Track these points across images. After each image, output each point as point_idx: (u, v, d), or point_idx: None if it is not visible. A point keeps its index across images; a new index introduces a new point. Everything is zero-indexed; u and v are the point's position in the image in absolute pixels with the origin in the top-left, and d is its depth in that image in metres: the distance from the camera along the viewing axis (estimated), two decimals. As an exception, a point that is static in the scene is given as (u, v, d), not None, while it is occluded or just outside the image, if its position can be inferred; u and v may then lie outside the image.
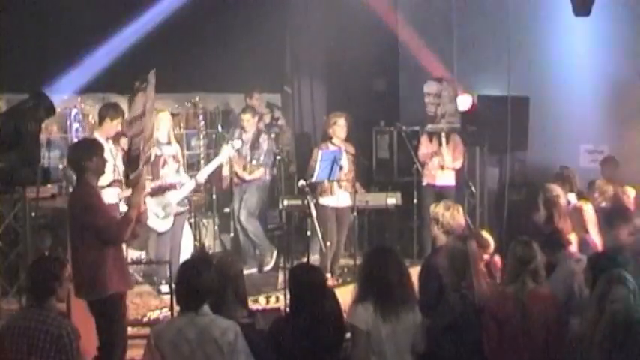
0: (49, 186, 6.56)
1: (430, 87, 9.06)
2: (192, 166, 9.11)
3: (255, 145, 8.63)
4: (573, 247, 5.77)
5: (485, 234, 5.86)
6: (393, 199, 9.06)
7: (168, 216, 7.82)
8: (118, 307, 5.16)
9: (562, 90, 9.45)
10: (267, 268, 8.79)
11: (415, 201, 8.91)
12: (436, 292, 4.99)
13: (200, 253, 5.42)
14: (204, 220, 9.01)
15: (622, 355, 3.89)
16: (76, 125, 8.70)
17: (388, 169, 9.85)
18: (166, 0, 8.89)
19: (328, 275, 7.85)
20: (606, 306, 4.03)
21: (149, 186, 7.50)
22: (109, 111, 7.11)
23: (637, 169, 8.86)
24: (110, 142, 7.08)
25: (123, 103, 7.94)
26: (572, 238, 5.96)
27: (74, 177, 5.35)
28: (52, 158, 8.45)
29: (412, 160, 8.95)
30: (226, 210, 9.26)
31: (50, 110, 6.53)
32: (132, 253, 8.10)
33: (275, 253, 8.74)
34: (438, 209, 5.56)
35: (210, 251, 8.80)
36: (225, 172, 8.85)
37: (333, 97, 10.51)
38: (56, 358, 4.15)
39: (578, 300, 4.95)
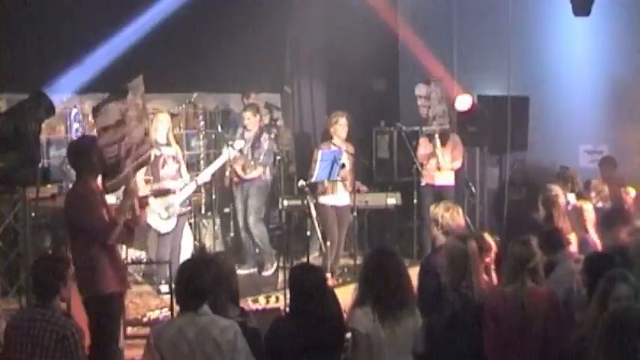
0: (49, 186, 6.55)
1: (420, 90, 9.06)
2: (192, 166, 9.10)
3: (256, 144, 8.63)
4: (573, 247, 5.78)
5: (488, 236, 5.85)
6: (392, 199, 9.07)
7: (170, 217, 7.83)
8: (110, 307, 5.13)
9: (562, 90, 9.47)
10: (265, 273, 8.79)
11: (415, 201, 8.91)
12: (435, 291, 4.99)
13: (200, 253, 5.41)
14: (204, 220, 9.01)
15: (622, 354, 3.89)
16: (76, 125, 8.69)
17: (388, 169, 9.85)
18: (166, 0, 8.90)
19: (328, 275, 7.84)
20: (609, 304, 4.02)
21: (147, 189, 7.53)
22: None
23: (637, 169, 8.87)
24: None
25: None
26: (572, 238, 5.97)
27: (73, 175, 5.38)
28: (52, 158, 8.46)
29: (412, 160, 8.95)
30: (226, 210, 9.26)
31: (50, 110, 6.52)
32: (132, 253, 8.11)
33: (275, 264, 8.72)
34: (438, 210, 5.56)
35: (209, 251, 8.80)
36: (226, 171, 8.86)
37: (333, 97, 10.51)
38: (60, 358, 4.14)
39: (576, 300, 4.95)
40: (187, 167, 8.29)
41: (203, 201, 9.05)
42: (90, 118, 8.61)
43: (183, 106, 9.72)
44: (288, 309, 5.38)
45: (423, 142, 9.12)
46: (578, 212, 6.27)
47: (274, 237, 9.01)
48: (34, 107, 6.10)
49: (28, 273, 6.14)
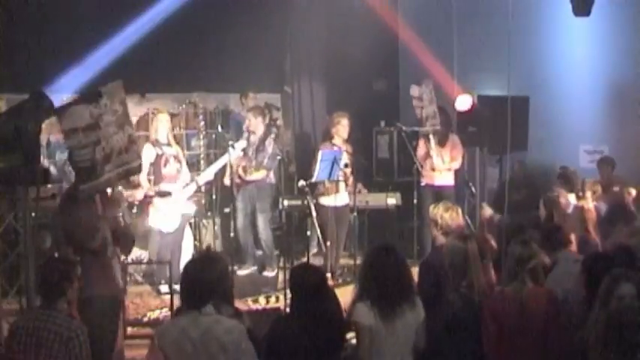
0: (49, 186, 6.55)
1: (413, 91, 9.07)
2: (192, 166, 9.11)
3: (260, 147, 8.63)
4: (573, 247, 5.77)
5: (491, 238, 5.84)
6: (393, 199, 9.07)
7: (174, 216, 7.85)
8: (97, 310, 5.09)
9: (562, 90, 9.46)
10: (266, 273, 8.79)
11: (415, 201, 8.91)
12: (433, 291, 4.99)
13: (206, 252, 5.41)
14: (204, 220, 9.01)
15: (620, 351, 3.89)
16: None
17: (388, 169, 9.84)
18: (166, 0, 8.90)
19: (328, 275, 7.85)
20: (612, 303, 4.02)
21: (141, 193, 7.58)
22: None
23: (636, 169, 8.87)
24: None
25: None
26: (572, 238, 5.96)
27: (73, 176, 5.40)
28: (53, 158, 8.47)
29: (412, 160, 8.95)
30: (226, 210, 9.26)
31: (50, 110, 6.51)
32: (132, 253, 8.10)
33: (276, 271, 8.73)
34: (437, 211, 5.56)
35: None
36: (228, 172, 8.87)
37: (333, 97, 10.50)
38: None
39: (575, 301, 4.94)
40: (187, 167, 8.30)
41: (203, 201, 9.05)
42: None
43: (184, 106, 9.73)
44: (288, 309, 5.38)
45: (421, 142, 9.13)
46: (579, 212, 6.27)
47: (274, 237, 9.01)
48: (34, 107, 6.09)
49: (28, 273, 6.13)
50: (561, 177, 7.55)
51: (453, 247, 4.90)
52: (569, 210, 6.56)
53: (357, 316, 4.46)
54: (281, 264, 8.58)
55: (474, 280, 4.74)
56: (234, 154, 8.21)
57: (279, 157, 8.47)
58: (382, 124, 10.02)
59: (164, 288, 7.70)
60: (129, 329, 6.64)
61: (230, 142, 8.29)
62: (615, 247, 5.28)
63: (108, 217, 5.28)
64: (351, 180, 8.41)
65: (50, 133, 8.34)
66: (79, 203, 5.27)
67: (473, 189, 9.28)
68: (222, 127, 9.61)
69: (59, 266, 4.38)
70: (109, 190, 5.51)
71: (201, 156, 9.40)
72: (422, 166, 8.93)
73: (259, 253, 9.02)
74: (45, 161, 6.75)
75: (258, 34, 9.56)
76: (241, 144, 8.32)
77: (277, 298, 7.65)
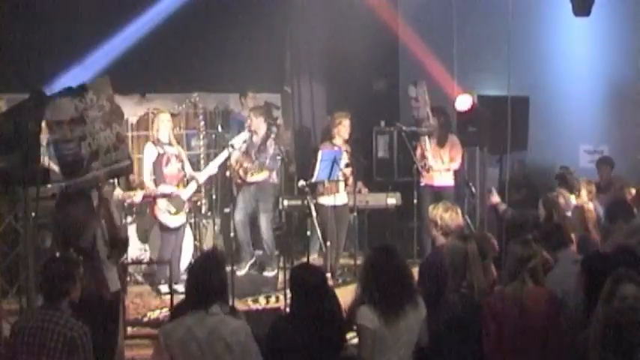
0: (49, 186, 6.54)
1: (410, 91, 9.09)
2: (192, 166, 9.10)
3: (261, 147, 8.64)
4: (573, 247, 5.77)
5: (491, 237, 5.83)
6: (393, 199, 9.07)
7: (179, 212, 7.87)
8: (86, 310, 5.07)
9: (562, 90, 9.46)
10: (266, 273, 8.80)
11: (415, 201, 8.91)
12: (433, 291, 4.99)
13: (213, 253, 5.42)
14: (204, 221, 9.02)
15: (618, 350, 3.89)
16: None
17: (388, 169, 9.84)
18: (166, 0, 8.90)
19: (328, 275, 7.85)
20: (614, 304, 4.02)
21: (140, 196, 7.60)
22: None
23: (636, 169, 8.87)
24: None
25: (123, 103, 7.94)
26: (572, 237, 5.96)
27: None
28: (53, 158, 8.46)
29: (412, 160, 8.95)
30: (226, 210, 9.26)
31: (50, 110, 6.51)
32: (132, 253, 8.11)
33: (276, 271, 8.72)
34: (437, 211, 5.55)
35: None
36: (227, 172, 8.88)
37: (333, 97, 10.51)
38: None
39: (573, 301, 4.93)
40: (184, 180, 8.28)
41: (203, 201, 9.06)
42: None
43: (183, 106, 9.73)
44: (288, 309, 5.38)
45: (420, 143, 9.14)
46: (579, 212, 6.27)
47: (274, 237, 9.01)
48: (34, 107, 6.09)
49: (28, 273, 6.13)
50: (559, 178, 7.54)
51: (453, 248, 4.90)
52: (569, 210, 6.55)
53: (361, 319, 4.45)
54: (281, 264, 8.58)
55: (474, 280, 4.73)
56: (234, 154, 8.22)
57: (279, 158, 8.47)
58: (382, 124, 10.02)
59: (164, 288, 7.70)
60: (129, 329, 6.65)
61: (230, 143, 8.30)
62: (615, 247, 5.29)
63: (97, 215, 5.26)
64: (350, 180, 8.41)
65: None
66: (71, 201, 5.27)
67: (473, 189, 9.27)
68: (222, 127, 9.62)
69: (62, 266, 4.35)
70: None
71: (202, 156, 9.40)
72: (421, 166, 8.94)
73: (259, 252, 9.02)
74: (45, 161, 6.74)
75: (258, 34, 9.56)
76: (242, 137, 8.31)
77: (277, 298, 7.65)
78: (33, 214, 6.15)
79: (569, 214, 6.49)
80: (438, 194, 8.67)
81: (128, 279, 7.83)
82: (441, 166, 8.89)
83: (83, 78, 8.27)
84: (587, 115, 9.32)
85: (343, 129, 8.36)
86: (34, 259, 6.07)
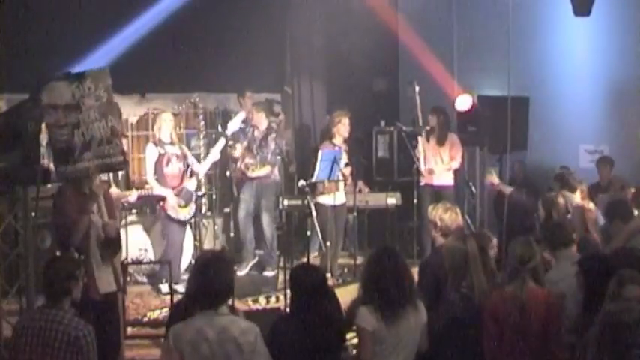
0: (49, 186, 6.54)
1: (409, 91, 9.11)
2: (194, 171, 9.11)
3: (263, 143, 8.66)
4: (573, 247, 5.76)
5: (487, 232, 5.84)
6: (393, 199, 9.07)
7: (188, 204, 7.90)
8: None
9: (562, 90, 9.46)
10: (266, 273, 8.80)
11: (415, 201, 8.91)
12: (433, 291, 4.99)
13: (222, 253, 5.42)
14: (205, 221, 9.02)
15: (613, 351, 3.88)
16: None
17: (388, 169, 9.84)
18: (166, 0, 8.90)
19: (328, 275, 7.84)
20: (618, 304, 4.01)
21: (135, 195, 7.61)
22: None
23: (636, 169, 8.87)
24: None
25: (123, 103, 7.96)
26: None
27: None
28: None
29: (412, 160, 8.95)
30: (226, 210, 9.27)
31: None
32: (132, 253, 8.11)
33: (276, 271, 8.72)
34: (436, 212, 5.55)
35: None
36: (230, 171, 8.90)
37: (333, 97, 10.50)
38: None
39: (571, 302, 4.93)
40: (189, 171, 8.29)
41: (204, 201, 9.06)
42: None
43: (183, 106, 9.73)
44: (288, 309, 5.38)
45: (419, 143, 9.16)
46: (580, 212, 6.26)
47: (277, 236, 9.02)
48: (34, 107, 6.09)
49: (28, 273, 6.13)
50: (558, 178, 7.54)
51: (452, 248, 4.90)
52: (570, 209, 6.54)
53: (361, 321, 4.44)
54: (281, 264, 8.59)
55: (475, 280, 4.73)
56: (237, 149, 8.23)
57: (279, 158, 8.48)
58: (382, 124, 10.02)
59: (164, 288, 7.70)
60: (129, 329, 6.64)
61: (226, 132, 8.29)
62: (616, 249, 5.29)
63: (88, 210, 5.25)
64: (349, 180, 8.41)
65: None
66: (64, 197, 5.27)
67: (473, 189, 9.28)
68: (222, 127, 9.61)
69: (64, 265, 4.35)
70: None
71: (202, 156, 9.38)
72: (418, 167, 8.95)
73: (260, 252, 9.02)
74: (45, 161, 6.74)
75: (258, 34, 9.56)
76: (237, 119, 8.28)
77: (277, 298, 7.65)
78: (33, 214, 6.15)
79: (570, 210, 6.49)
80: (438, 194, 8.67)
81: (128, 279, 7.82)
82: (442, 166, 8.89)
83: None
84: (587, 115, 9.31)
85: (343, 128, 8.35)
86: (34, 259, 6.06)
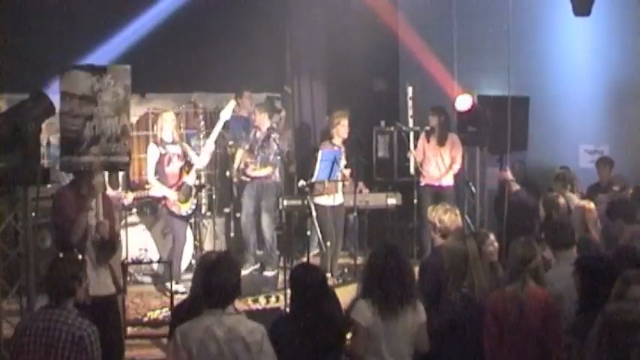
0: (49, 186, 6.54)
1: (408, 91, 9.13)
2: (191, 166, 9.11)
3: (264, 143, 8.66)
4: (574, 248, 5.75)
5: (484, 230, 5.83)
6: (393, 199, 9.07)
7: (188, 199, 7.90)
8: None
9: (562, 90, 9.46)
10: (267, 273, 8.80)
11: (415, 201, 8.91)
12: (433, 291, 4.99)
13: (228, 253, 5.44)
14: (205, 221, 9.02)
15: (612, 351, 3.88)
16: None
17: (388, 169, 9.84)
18: (166, 0, 8.90)
19: (328, 275, 7.84)
20: (621, 305, 4.01)
21: (131, 196, 7.62)
22: None
23: (636, 169, 8.87)
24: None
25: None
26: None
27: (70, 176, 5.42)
28: (53, 158, 8.45)
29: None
30: (226, 210, 9.26)
31: (50, 110, 6.52)
32: (132, 253, 8.12)
33: (276, 271, 8.73)
34: (436, 213, 5.55)
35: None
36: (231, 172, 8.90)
37: (333, 97, 10.50)
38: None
39: (569, 303, 4.92)
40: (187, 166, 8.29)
41: (204, 201, 9.06)
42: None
43: (184, 106, 9.73)
44: (288, 309, 5.38)
45: (419, 143, 9.16)
46: (580, 212, 6.25)
47: (277, 237, 9.02)
48: (34, 107, 6.09)
49: (28, 273, 6.12)
50: (557, 179, 7.54)
51: (452, 249, 4.91)
52: (571, 209, 6.54)
53: (356, 315, 4.48)
54: (281, 264, 8.59)
55: (475, 280, 4.74)
56: (239, 151, 8.23)
57: (279, 158, 8.48)
58: (382, 124, 10.02)
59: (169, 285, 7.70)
60: (129, 329, 6.64)
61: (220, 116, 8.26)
62: (616, 249, 5.28)
63: (86, 207, 5.24)
64: (349, 180, 8.42)
65: (50, 133, 8.35)
66: (63, 198, 5.26)
67: (473, 189, 9.27)
68: (222, 127, 9.60)
69: (67, 266, 4.34)
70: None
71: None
72: (421, 166, 8.95)
73: (260, 252, 9.02)
74: (45, 161, 6.74)
75: (258, 34, 9.56)
76: (228, 107, 8.26)
77: (277, 298, 7.65)
78: (33, 214, 6.15)
79: (571, 210, 6.49)
80: (438, 194, 8.68)
81: (128, 279, 7.82)
82: (442, 167, 8.91)
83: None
84: (587, 115, 9.31)
85: (342, 129, 8.35)
86: (34, 259, 6.06)
